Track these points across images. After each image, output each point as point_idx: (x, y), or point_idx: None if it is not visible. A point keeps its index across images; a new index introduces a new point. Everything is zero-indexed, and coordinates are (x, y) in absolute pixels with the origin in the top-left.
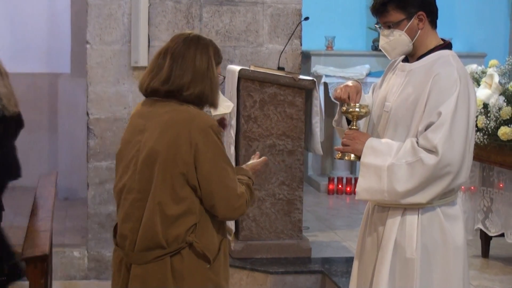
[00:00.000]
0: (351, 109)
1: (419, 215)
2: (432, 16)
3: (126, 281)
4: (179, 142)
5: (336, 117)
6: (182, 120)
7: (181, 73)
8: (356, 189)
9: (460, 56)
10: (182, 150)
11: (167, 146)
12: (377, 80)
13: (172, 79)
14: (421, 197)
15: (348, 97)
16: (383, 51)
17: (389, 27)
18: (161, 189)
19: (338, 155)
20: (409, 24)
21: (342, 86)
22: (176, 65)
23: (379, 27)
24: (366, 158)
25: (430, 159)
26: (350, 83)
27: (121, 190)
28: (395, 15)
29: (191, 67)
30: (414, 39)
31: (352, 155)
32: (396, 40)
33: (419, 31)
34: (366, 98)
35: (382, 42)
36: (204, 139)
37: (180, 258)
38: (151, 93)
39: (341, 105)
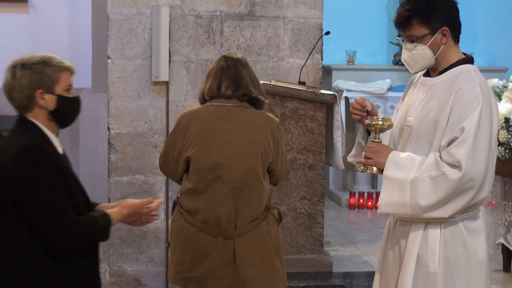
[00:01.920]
0: (374, 122)
1: (442, 229)
2: (456, 31)
3: (225, 253)
4: (268, 136)
5: (353, 152)
6: (266, 120)
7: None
8: (379, 203)
9: (481, 71)
10: (270, 143)
11: (262, 141)
12: (399, 95)
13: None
14: (444, 212)
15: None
16: (405, 64)
17: (412, 41)
18: (257, 176)
19: (361, 168)
20: (432, 39)
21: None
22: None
23: (402, 41)
24: (388, 171)
25: (453, 173)
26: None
27: (213, 182)
28: (419, 30)
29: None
30: (437, 54)
31: (375, 168)
32: (419, 54)
33: (442, 46)
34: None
35: (405, 56)
36: (280, 133)
37: (267, 221)
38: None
39: (365, 121)
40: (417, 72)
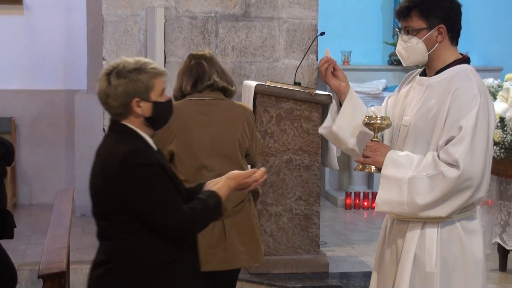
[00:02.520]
0: (372, 121)
1: (439, 229)
2: (453, 32)
3: (217, 234)
4: (244, 125)
5: (328, 122)
6: (242, 110)
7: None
8: (376, 201)
9: (477, 70)
10: (246, 131)
11: (239, 130)
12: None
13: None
14: (441, 211)
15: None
16: (398, 56)
17: (408, 33)
18: (238, 162)
19: (359, 166)
20: (428, 34)
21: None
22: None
23: (399, 31)
24: (386, 170)
25: (451, 172)
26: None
27: (199, 170)
28: (417, 22)
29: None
30: (431, 50)
31: (373, 167)
32: (412, 47)
33: (437, 44)
34: (382, 107)
35: (399, 47)
36: (253, 119)
37: (250, 203)
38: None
39: (364, 120)
40: (409, 66)
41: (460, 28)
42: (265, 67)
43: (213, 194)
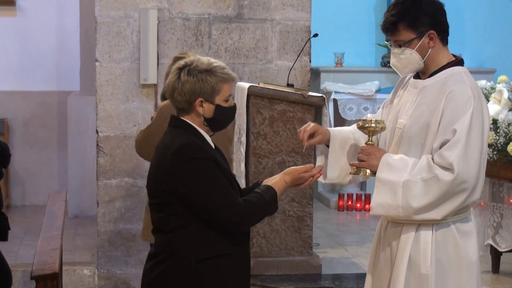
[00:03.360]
0: (367, 125)
1: (433, 231)
2: (443, 34)
3: None
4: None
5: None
6: None
7: None
8: (371, 205)
9: (470, 72)
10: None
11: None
12: (387, 96)
13: None
14: (436, 214)
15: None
16: (394, 68)
17: (400, 46)
18: (228, 152)
19: (354, 170)
20: (420, 43)
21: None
22: None
23: (390, 45)
24: (381, 173)
25: (445, 176)
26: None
27: None
28: (406, 34)
29: None
30: (425, 57)
31: (368, 171)
32: (407, 58)
33: (430, 49)
34: (378, 114)
35: (393, 60)
36: None
37: None
38: None
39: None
40: (406, 75)
41: (447, 27)
42: (258, 69)
43: (269, 188)
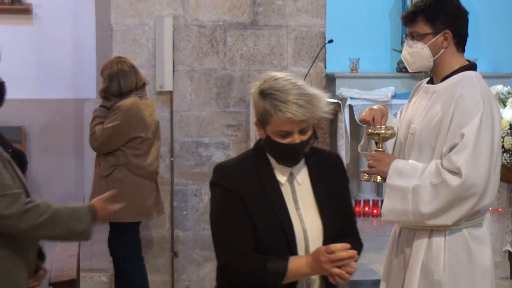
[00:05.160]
0: (376, 131)
1: (446, 236)
2: (459, 39)
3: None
4: None
5: (362, 142)
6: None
7: None
8: (382, 210)
9: (485, 77)
10: None
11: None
12: (403, 102)
13: None
14: (446, 219)
15: (373, 120)
16: (404, 61)
17: (413, 38)
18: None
19: (365, 177)
20: (433, 40)
21: (367, 109)
22: None
23: (406, 37)
24: (391, 179)
25: (454, 180)
26: (375, 106)
27: (151, 145)
28: (422, 27)
29: None
30: (436, 56)
31: (379, 177)
32: (418, 52)
33: (443, 49)
34: (394, 122)
35: (405, 52)
36: None
37: None
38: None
39: (367, 129)
40: (414, 71)
41: (466, 35)
42: None
43: (281, 264)
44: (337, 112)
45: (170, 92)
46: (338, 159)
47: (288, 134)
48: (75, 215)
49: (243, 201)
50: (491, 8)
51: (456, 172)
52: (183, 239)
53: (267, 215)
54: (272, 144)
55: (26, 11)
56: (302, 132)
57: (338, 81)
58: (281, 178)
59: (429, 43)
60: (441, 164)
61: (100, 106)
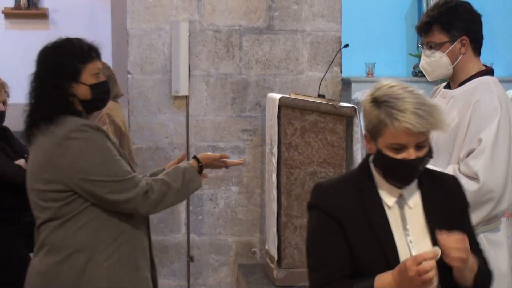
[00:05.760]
0: None
1: None
2: (476, 43)
3: None
4: None
5: None
6: None
7: None
8: None
9: (501, 81)
10: None
11: None
12: None
13: None
14: None
15: None
16: (422, 71)
17: (431, 48)
18: None
19: None
20: (451, 47)
21: None
22: None
23: (422, 47)
24: None
25: (471, 185)
26: None
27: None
28: (439, 36)
29: None
30: (455, 63)
31: None
32: (436, 61)
33: (461, 56)
34: None
35: (423, 62)
36: None
37: None
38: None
39: None
40: (434, 80)
41: (482, 38)
42: (289, 80)
43: None
44: (352, 116)
45: (186, 97)
46: (457, 183)
47: (403, 148)
48: (185, 179)
49: (340, 225)
50: (506, 12)
51: (473, 177)
52: (199, 243)
53: (368, 241)
54: (383, 159)
55: (43, 15)
56: (418, 147)
57: (353, 86)
58: (389, 200)
59: (447, 51)
60: (459, 169)
61: None
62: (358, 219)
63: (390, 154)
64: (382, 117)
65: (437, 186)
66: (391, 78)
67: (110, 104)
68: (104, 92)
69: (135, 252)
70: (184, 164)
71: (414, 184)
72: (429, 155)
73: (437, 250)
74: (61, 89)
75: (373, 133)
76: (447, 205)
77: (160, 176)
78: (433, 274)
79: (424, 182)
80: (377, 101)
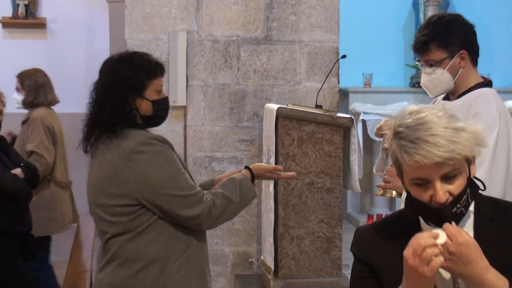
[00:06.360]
0: None
1: None
2: (474, 55)
3: None
4: None
5: (377, 164)
6: None
7: None
8: None
9: (499, 92)
10: None
11: None
12: None
13: None
14: None
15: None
16: (424, 88)
17: (431, 65)
18: None
19: (380, 191)
20: (451, 63)
21: (383, 121)
22: None
23: (421, 65)
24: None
25: None
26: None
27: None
28: (437, 54)
29: None
30: (456, 77)
31: (394, 192)
32: (438, 78)
33: (461, 69)
34: None
35: (424, 80)
36: None
37: None
38: None
39: (383, 145)
40: (436, 96)
41: (478, 48)
42: (286, 90)
43: None
44: (350, 127)
45: (184, 107)
46: None
47: (426, 183)
48: (242, 191)
49: (375, 274)
50: (503, 24)
51: None
52: None
53: None
54: (411, 201)
55: (41, 25)
56: (446, 178)
57: (351, 96)
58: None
59: (448, 67)
60: None
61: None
62: (395, 269)
63: (416, 192)
64: (396, 151)
65: (500, 218)
66: (387, 88)
67: (44, 110)
68: (164, 109)
69: (201, 262)
70: (238, 175)
71: (468, 222)
72: (470, 186)
73: (437, 232)
74: (125, 102)
75: (396, 169)
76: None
77: (218, 189)
78: (440, 259)
79: (481, 214)
80: (394, 134)
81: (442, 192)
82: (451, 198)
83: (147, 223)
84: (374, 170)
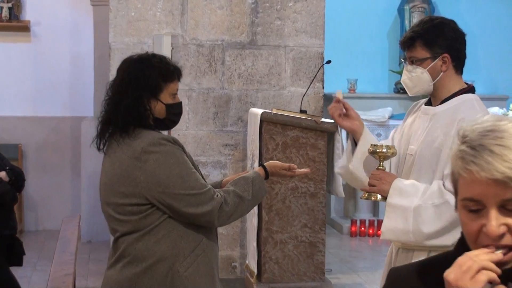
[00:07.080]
0: (378, 150)
1: None
2: (458, 61)
3: None
4: None
5: (344, 161)
6: None
7: None
8: (381, 229)
9: (482, 99)
10: None
11: None
12: (400, 123)
13: None
14: (447, 239)
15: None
16: (403, 86)
17: (412, 63)
18: None
19: (364, 195)
20: (432, 64)
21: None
22: None
23: (404, 62)
24: (392, 198)
25: None
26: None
27: None
28: (421, 52)
29: None
30: (436, 80)
31: (379, 196)
32: (417, 77)
33: (442, 73)
34: (389, 139)
35: (404, 77)
36: None
37: None
38: None
39: (369, 148)
40: (415, 96)
41: (464, 57)
42: (271, 95)
43: None
44: (334, 132)
45: None
46: None
47: (480, 208)
48: (255, 188)
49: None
50: (488, 31)
51: None
52: None
53: None
54: (463, 241)
55: (25, 28)
56: (506, 208)
57: None
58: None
59: (428, 67)
60: (444, 185)
61: None
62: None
63: (465, 218)
64: (453, 157)
65: None
66: (372, 94)
67: None
68: (177, 114)
69: (211, 261)
70: (251, 173)
71: None
72: None
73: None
74: (140, 102)
75: (453, 185)
76: None
77: (230, 187)
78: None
79: None
80: (461, 136)
81: (497, 223)
82: (509, 237)
83: (156, 222)
84: (335, 168)
